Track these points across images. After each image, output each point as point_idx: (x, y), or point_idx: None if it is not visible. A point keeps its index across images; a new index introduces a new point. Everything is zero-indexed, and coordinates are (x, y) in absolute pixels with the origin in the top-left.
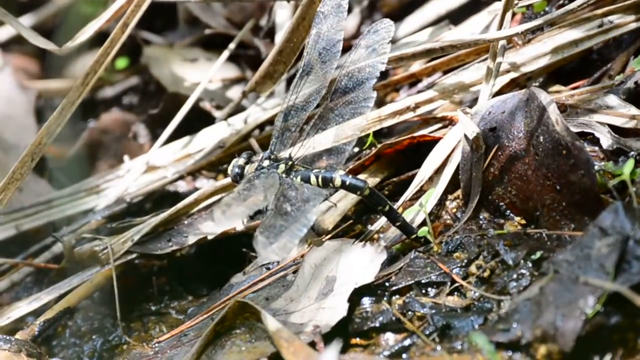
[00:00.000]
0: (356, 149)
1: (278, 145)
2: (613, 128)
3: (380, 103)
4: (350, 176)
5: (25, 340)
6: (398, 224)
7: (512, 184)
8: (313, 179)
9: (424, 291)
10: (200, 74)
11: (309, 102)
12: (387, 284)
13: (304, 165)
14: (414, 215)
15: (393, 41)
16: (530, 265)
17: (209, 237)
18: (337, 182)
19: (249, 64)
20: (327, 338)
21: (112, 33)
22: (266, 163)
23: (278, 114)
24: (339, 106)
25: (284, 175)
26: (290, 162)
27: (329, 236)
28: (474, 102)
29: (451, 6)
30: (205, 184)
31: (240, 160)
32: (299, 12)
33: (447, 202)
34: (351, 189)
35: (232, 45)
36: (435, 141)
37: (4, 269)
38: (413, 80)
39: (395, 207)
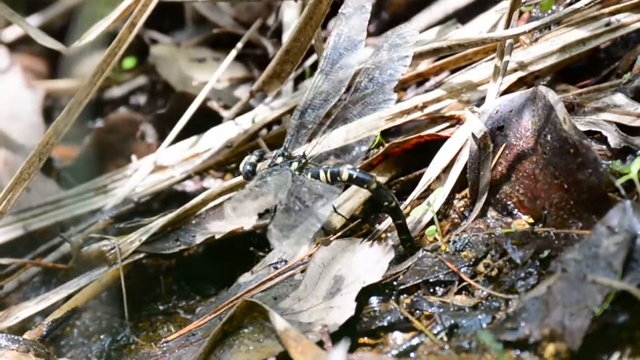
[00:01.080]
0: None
1: (293, 143)
2: (620, 126)
3: None
4: (357, 170)
5: (33, 340)
6: (399, 222)
7: (519, 182)
8: (322, 175)
9: (431, 290)
10: (208, 74)
11: (327, 101)
12: (395, 283)
13: (316, 163)
14: (422, 214)
15: None
16: (538, 264)
17: (217, 237)
18: (345, 176)
19: (256, 64)
20: (335, 337)
21: (120, 33)
22: (280, 160)
23: (294, 112)
24: (358, 106)
25: (296, 172)
26: (303, 160)
27: (336, 235)
28: (481, 101)
29: (458, 5)
30: (213, 184)
31: (252, 158)
32: (306, 11)
33: (455, 201)
34: (358, 182)
35: (239, 45)
36: (442, 140)
37: (12, 269)
38: (420, 80)
39: (401, 205)
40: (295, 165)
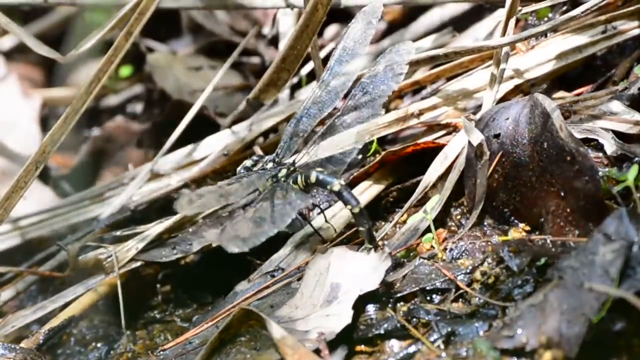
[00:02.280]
0: (360, 156)
1: (285, 150)
2: (617, 134)
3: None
4: (324, 173)
5: (30, 348)
6: (362, 228)
7: (516, 190)
8: (299, 178)
9: (428, 298)
10: (204, 82)
11: (322, 110)
12: (391, 290)
13: (302, 171)
14: (419, 222)
15: None
16: (534, 271)
17: (214, 245)
18: (313, 178)
19: (252, 72)
20: (332, 345)
21: (116, 41)
22: (270, 165)
23: (292, 119)
24: (349, 118)
25: (282, 179)
26: (292, 168)
27: (333, 243)
28: (477, 108)
29: (455, 13)
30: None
31: (248, 162)
32: (302, 19)
33: (452, 209)
34: (323, 184)
35: (235, 53)
36: (439, 148)
37: (9, 277)
38: (417, 87)
39: (398, 213)
40: (284, 172)
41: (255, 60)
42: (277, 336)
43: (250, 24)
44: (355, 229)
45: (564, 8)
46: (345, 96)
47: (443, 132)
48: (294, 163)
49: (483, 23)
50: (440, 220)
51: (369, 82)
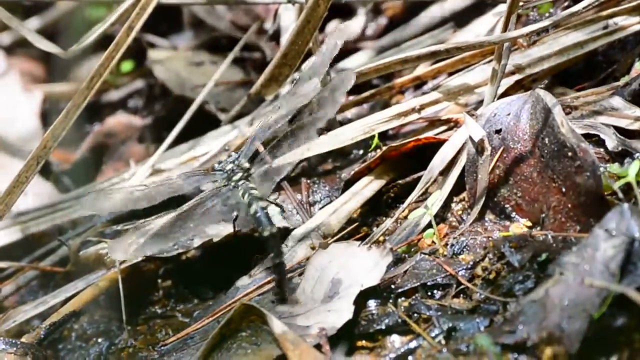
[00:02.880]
0: (361, 152)
1: (245, 153)
2: (618, 129)
3: (385, 105)
4: (264, 211)
5: (31, 343)
6: (278, 278)
7: (517, 185)
8: (242, 190)
9: (429, 293)
10: (206, 77)
11: (277, 122)
12: (392, 286)
13: (252, 186)
14: (420, 217)
15: (398, 44)
16: (536, 267)
17: (215, 240)
18: (253, 210)
19: (254, 67)
20: (333, 341)
21: (117, 36)
22: (229, 167)
23: (257, 125)
24: (294, 135)
25: (233, 183)
26: (246, 174)
27: (334, 239)
28: (479, 104)
29: (456, 8)
30: (210, 187)
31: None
32: (303, 15)
33: (453, 204)
34: (257, 221)
35: (237, 48)
36: (440, 143)
37: (10, 272)
38: (418, 83)
39: (399, 209)
40: (239, 175)
41: (256, 55)
42: (278, 331)
43: (252, 19)
44: (356, 224)
45: (566, 4)
46: (296, 113)
47: (444, 127)
48: (249, 168)
49: (484, 18)
50: (442, 216)
51: (316, 103)
